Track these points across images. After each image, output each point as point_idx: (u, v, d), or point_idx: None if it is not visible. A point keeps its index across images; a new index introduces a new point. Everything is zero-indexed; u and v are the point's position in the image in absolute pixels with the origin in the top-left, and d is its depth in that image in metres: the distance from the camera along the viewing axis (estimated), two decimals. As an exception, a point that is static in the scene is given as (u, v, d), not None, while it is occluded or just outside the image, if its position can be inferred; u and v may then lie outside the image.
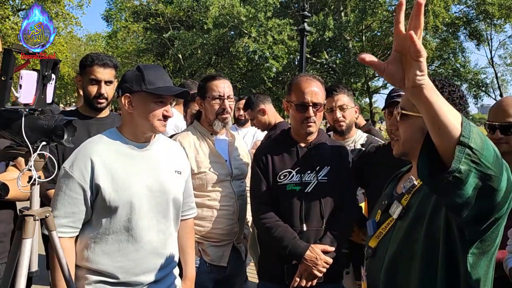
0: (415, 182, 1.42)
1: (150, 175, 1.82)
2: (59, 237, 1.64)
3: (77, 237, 1.77)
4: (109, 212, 1.73)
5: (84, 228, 1.77)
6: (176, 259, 1.99)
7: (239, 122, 4.41)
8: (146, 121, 1.77)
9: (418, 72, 0.97)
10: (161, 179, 1.85)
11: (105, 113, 2.55)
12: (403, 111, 1.44)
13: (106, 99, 2.48)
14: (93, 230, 1.76)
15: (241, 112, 4.18)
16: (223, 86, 2.40)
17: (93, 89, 2.43)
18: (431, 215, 1.30)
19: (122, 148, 1.80)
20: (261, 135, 4.03)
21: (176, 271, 2.01)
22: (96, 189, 1.71)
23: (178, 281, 2.01)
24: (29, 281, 2.01)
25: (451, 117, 0.99)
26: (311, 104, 2.16)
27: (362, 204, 2.61)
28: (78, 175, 1.70)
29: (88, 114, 2.48)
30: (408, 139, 1.44)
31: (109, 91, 2.47)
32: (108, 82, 2.46)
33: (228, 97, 2.41)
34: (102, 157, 1.73)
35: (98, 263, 1.75)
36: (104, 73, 2.43)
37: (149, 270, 1.82)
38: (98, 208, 1.74)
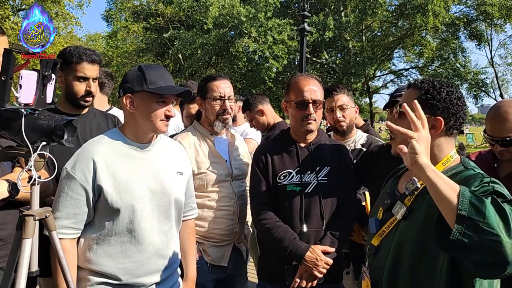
0: (418, 185, 1.42)
1: (152, 176, 1.81)
2: (61, 238, 1.64)
3: (79, 238, 1.77)
4: (111, 214, 1.73)
5: (86, 230, 1.76)
6: (178, 260, 1.99)
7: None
8: (148, 121, 1.76)
9: (410, 151, 1.22)
10: (163, 180, 1.84)
11: (85, 109, 2.42)
12: (401, 110, 1.46)
13: (93, 96, 2.37)
14: (95, 232, 1.75)
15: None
16: (224, 87, 2.40)
17: (82, 87, 2.29)
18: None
19: (124, 148, 1.79)
20: (251, 133, 4.00)
21: (178, 272, 2.01)
22: (98, 191, 1.71)
23: (180, 282, 2.01)
24: (33, 282, 2.01)
25: (448, 192, 1.15)
26: (310, 101, 2.16)
27: (364, 204, 2.61)
28: (80, 176, 1.69)
29: (70, 112, 2.33)
30: (404, 138, 1.44)
31: (95, 88, 2.38)
32: (95, 79, 2.36)
33: (229, 97, 2.40)
34: (104, 158, 1.72)
35: (101, 264, 1.74)
36: (92, 70, 2.31)
37: (151, 271, 1.81)
38: (100, 209, 1.74)
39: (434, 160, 1.44)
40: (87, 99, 2.34)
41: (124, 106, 1.78)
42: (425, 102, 1.43)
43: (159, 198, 1.82)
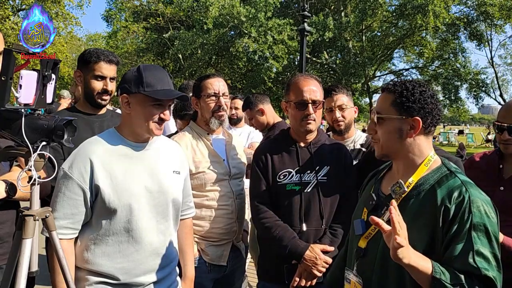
0: (406, 188, 1.46)
1: (149, 176, 1.82)
2: (59, 238, 1.64)
3: (76, 238, 1.77)
4: (108, 213, 1.73)
5: (84, 230, 1.77)
6: (176, 259, 1.99)
7: (231, 121, 4.38)
8: (142, 123, 1.76)
9: (392, 247, 1.25)
10: (160, 179, 1.85)
11: (103, 110, 2.52)
12: (379, 115, 1.51)
13: (110, 95, 2.45)
14: (93, 232, 1.76)
15: (234, 111, 4.17)
16: (218, 84, 2.41)
17: (98, 85, 2.39)
18: (430, 233, 1.38)
19: (120, 148, 1.79)
20: (257, 136, 4.02)
21: (176, 271, 2.01)
22: (95, 190, 1.71)
23: (178, 281, 2.01)
24: (32, 281, 2.01)
25: (422, 283, 1.30)
26: (310, 101, 2.17)
27: None
28: (77, 176, 1.69)
29: (88, 112, 2.45)
30: (386, 141, 1.51)
31: (113, 87, 2.45)
32: (112, 79, 2.44)
33: (223, 94, 2.41)
34: (101, 158, 1.73)
35: (99, 264, 1.74)
36: (109, 70, 2.41)
37: (149, 270, 1.82)
38: (97, 209, 1.74)
39: (415, 161, 1.49)
40: (104, 97, 2.43)
41: (121, 105, 1.79)
42: (401, 104, 1.47)
43: (156, 197, 1.83)
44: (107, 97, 2.44)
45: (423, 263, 1.29)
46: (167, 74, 1.86)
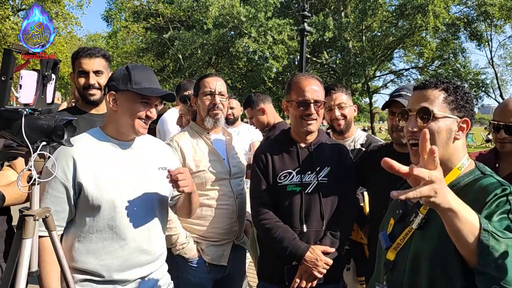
0: None
1: (133, 173, 1.84)
2: (44, 236, 1.64)
3: (62, 236, 1.78)
4: (92, 211, 1.75)
5: (69, 228, 1.79)
6: (164, 255, 2.00)
7: (228, 121, 4.37)
8: (128, 120, 1.79)
9: (430, 197, 1.03)
10: (144, 177, 1.87)
11: (104, 109, 2.49)
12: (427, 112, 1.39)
13: (99, 89, 2.43)
14: (77, 229, 1.77)
15: (229, 111, 4.15)
16: (215, 83, 2.42)
17: (82, 81, 2.41)
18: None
19: (105, 146, 1.82)
20: (257, 135, 4.00)
21: (164, 267, 2.01)
22: (78, 188, 1.73)
23: (166, 277, 2.02)
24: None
25: (466, 245, 1.09)
26: (312, 101, 2.16)
27: (363, 204, 2.61)
28: (60, 174, 1.71)
29: (87, 110, 2.46)
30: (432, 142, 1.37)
31: (100, 81, 2.42)
32: (98, 72, 2.42)
33: (220, 93, 2.42)
34: (85, 156, 1.75)
35: (84, 262, 1.76)
36: (90, 64, 2.40)
37: (134, 267, 1.83)
38: (81, 206, 1.76)
39: (450, 165, 1.40)
40: (90, 92, 2.43)
41: (107, 103, 1.81)
42: (453, 103, 1.38)
43: (140, 194, 1.84)
44: (95, 91, 2.43)
45: (468, 210, 1.08)
46: (154, 74, 1.90)
